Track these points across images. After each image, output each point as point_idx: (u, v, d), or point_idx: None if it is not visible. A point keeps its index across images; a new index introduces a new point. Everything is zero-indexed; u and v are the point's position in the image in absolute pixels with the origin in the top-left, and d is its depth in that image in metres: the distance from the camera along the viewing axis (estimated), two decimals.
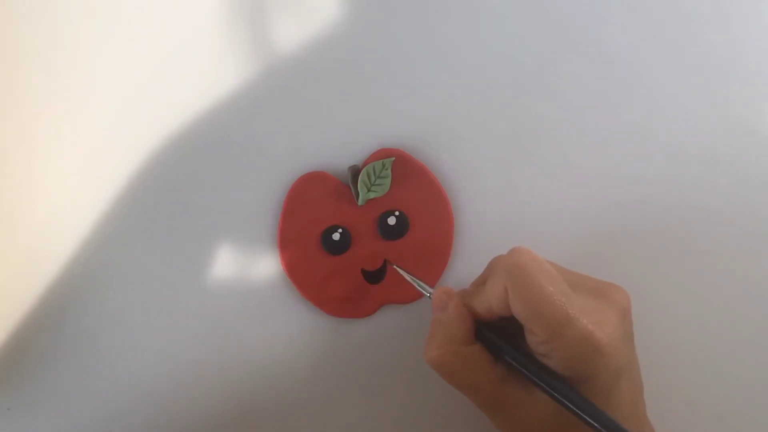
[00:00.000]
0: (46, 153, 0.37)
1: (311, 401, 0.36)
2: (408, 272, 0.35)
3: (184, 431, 0.36)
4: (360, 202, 0.36)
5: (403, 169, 0.36)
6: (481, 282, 0.32)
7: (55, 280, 0.36)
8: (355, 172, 0.36)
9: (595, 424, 0.26)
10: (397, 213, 0.36)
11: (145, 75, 0.37)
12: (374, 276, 0.36)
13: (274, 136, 0.37)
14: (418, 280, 0.34)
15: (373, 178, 0.36)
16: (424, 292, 0.34)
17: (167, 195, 0.37)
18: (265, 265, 0.37)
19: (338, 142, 0.37)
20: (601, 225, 0.37)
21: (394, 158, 0.36)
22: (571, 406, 0.27)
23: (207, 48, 0.37)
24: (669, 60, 0.37)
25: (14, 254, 0.37)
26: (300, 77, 0.37)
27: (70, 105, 0.37)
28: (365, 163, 0.36)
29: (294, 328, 0.36)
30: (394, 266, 0.36)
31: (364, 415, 0.36)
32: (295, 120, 0.37)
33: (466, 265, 0.36)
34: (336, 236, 0.36)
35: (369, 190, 0.36)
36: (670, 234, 0.37)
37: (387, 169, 0.36)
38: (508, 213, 0.37)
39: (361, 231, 0.36)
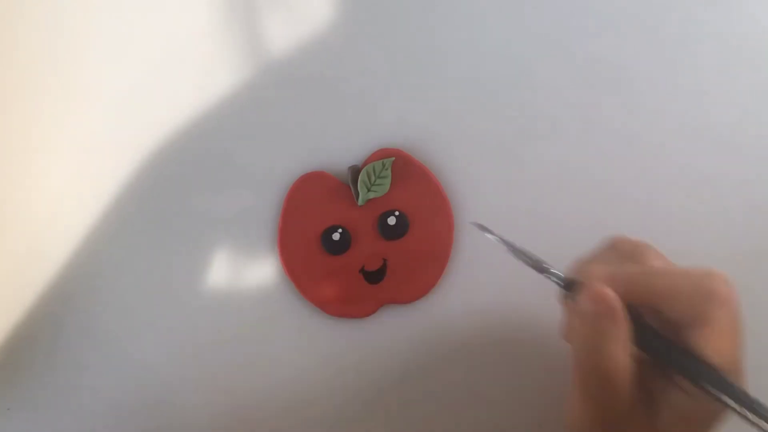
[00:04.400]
0: (45, 153, 0.37)
1: (311, 401, 0.36)
2: (509, 243, 0.28)
3: (183, 430, 0.36)
4: (360, 202, 0.36)
5: (403, 169, 0.36)
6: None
7: (54, 280, 0.36)
8: (355, 172, 0.36)
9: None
10: (397, 213, 0.36)
11: (144, 75, 0.37)
12: (374, 276, 0.36)
13: (275, 136, 0.37)
14: (530, 255, 0.28)
15: (373, 178, 0.36)
16: (553, 277, 0.27)
17: (167, 195, 0.37)
18: (265, 266, 0.37)
19: (338, 142, 0.37)
20: (601, 225, 0.37)
21: (393, 158, 0.36)
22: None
23: (206, 48, 0.37)
24: (662, 64, 0.37)
25: (13, 254, 0.37)
26: (301, 77, 0.37)
27: (70, 105, 0.37)
28: (365, 163, 0.36)
29: (294, 328, 0.36)
30: (488, 234, 0.28)
31: (363, 415, 0.36)
32: (296, 120, 0.37)
33: (466, 265, 0.36)
34: (336, 236, 0.36)
35: (369, 190, 0.36)
36: (670, 234, 0.37)
37: (387, 169, 0.36)
38: (507, 213, 0.37)
39: (361, 231, 0.36)
